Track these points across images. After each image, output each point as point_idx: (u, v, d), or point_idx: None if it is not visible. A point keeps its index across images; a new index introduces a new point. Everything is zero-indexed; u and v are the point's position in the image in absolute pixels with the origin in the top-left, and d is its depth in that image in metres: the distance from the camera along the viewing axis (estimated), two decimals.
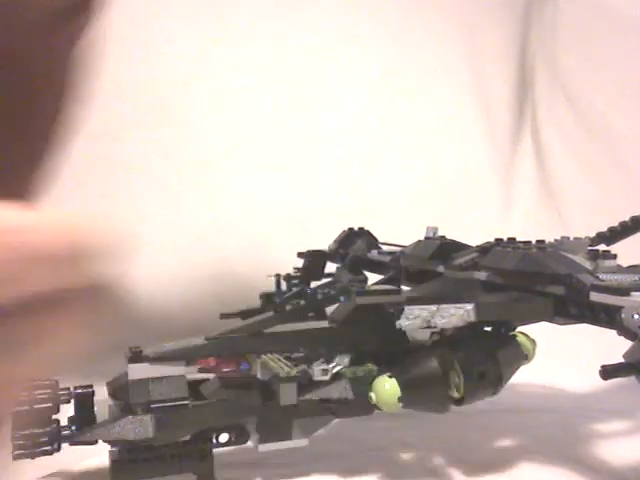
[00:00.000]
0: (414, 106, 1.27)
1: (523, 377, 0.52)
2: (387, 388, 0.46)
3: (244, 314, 0.57)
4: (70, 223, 0.17)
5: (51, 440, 0.43)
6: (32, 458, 0.43)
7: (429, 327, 0.47)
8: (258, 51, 1.17)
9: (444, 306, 0.47)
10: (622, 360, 0.38)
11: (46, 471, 0.49)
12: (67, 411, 0.45)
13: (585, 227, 0.66)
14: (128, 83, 1.04)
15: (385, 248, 0.71)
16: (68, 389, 0.45)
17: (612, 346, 0.40)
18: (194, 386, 0.47)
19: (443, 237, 0.63)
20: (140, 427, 0.43)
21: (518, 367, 0.51)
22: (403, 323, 0.47)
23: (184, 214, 1.14)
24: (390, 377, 0.46)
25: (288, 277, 0.65)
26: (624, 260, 0.55)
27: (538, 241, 0.52)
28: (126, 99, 1.04)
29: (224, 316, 0.59)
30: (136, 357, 0.45)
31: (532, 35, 1.37)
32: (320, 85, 1.08)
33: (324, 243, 0.75)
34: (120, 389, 0.45)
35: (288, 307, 0.51)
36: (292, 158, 1.21)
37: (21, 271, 0.15)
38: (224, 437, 0.47)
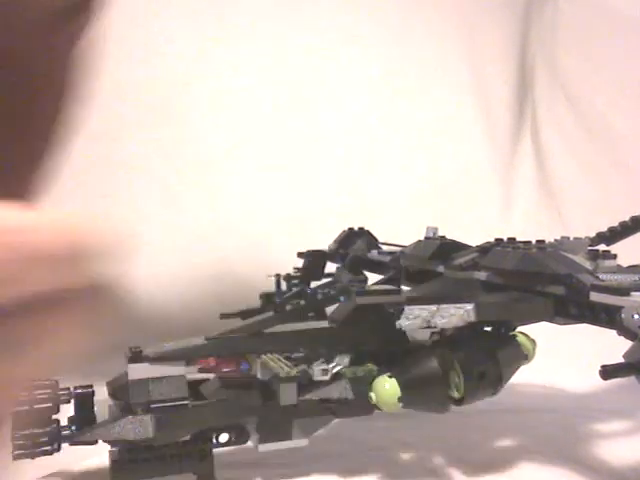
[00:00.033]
0: (414, 106, 1.26)
1: (523, 377, 0.52)
2: (387, 388, 0.46)
3: (244, 314, 0.57)
4: (70, 223, 0.17)
5: (51, 440, 0.43)
6: (32, 458, 0.43)
7: (429, 327, 0.47)
8: (258, 51, 1.17)
9: (444, 306, 0.47)
10: (622, 360, 0.38)
11: (46, 471, 0.49)
12: (67, 411, 0.45)
13: (585, 227, 0.66)
14: (128, 83, 1.04)
15: (385, 248, 0.71)
16: (68, 389, 0.45)
17: (612, 346, 0.40)
18: (194, 386, 0.47)
19: (443, 237, 0.63)
20: (140, 427, 0.43)
21: (518, 367, 0.51)
22: (403, 323, 0.47)
23: (184, 214, 1.14)
24: (390, 377, 0.46)
25: (288, 277, 0.65)
26: (624, 260, 0.55)
27: (538, 241, 0.52)
28: (126, 99, 1.04)
29: (224, 316, 0.59)
30: (136, 357, 0.45)
31: (532, 35, 1.37)
32: (320, 85, 1.08)
33: (324, 243, 0.75)
34: (120, 389, 0.45)
35: (288, 307, 0.51)
36: (292, 158, 1.21)
37: (21, 271, 0.15)
38: (224, 437, 0.47)
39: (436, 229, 0.66)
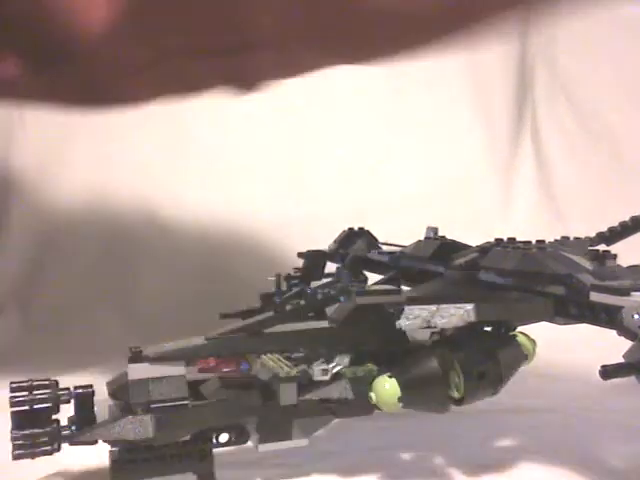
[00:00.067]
0: (414, 106, 1.26)
1: (523, 377, 0.52)
2: (387, 388, 0.46)
3: (244, 314, 0.57)
4: None
5: (51, 440, 0.43)
6: (32, 458, 0.43)
7: (429, 327, 0.47)
8: None
9: (444, 306, 0.47)
10: (622, 360, 0.38)
11: (46, 471, 0.49)
12: (67, 411, 0.45)
13: (585, 227, 0.65)
14: None
15: (385, 248, 0.71)
16: (68, 389, 0.45)
17: (612, 346, 0.40)
18: (194, 386, 0.47)
19: (443, 237, 0.63)
20: (140, 427, 0.43)
21: (518, 367, 0.51)
22: (403, 323, 0.47)
23: (184, 214, 1.14)
24: (390, 377, 0.46)
25: (288, 277, 0.65)
26: (624, 260, 0.55)
27: (538, 241, 0.52)
28: None
29: (224, 316, 0.59)
30: (136, 357, 0.45)
31: (532, 35, 1.37)
32: (320, 85, 1.08)
33: (324, 243, 0.75)
34: (120, 389, 0.45)
35: (288, 307, 0.51)
36: (292, 158, 1.21)
37: None
38: (224, 437, 0.47)
39: (436, 229, 0.66)
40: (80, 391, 0.45)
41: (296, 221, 1.14)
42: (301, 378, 0.46)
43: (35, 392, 0.43)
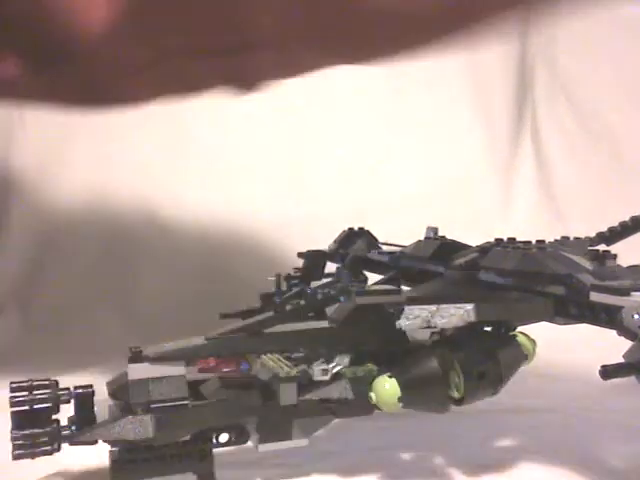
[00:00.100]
0: (414, 106, 1.26)
1: (523, 377, 0.52)
2: (387, 388, 0.46)
3: (244, 314, 0.57)
4: None
5: (51, 440, 0.43)
6: (32, 458, 0.43)
7: (429, 327, 0.47)
8: None
9: (444, 306, 0.47)
10: (622, 360, 0.38)
11: (46, 471, 0.49)
12: (67, 411, 0.45)
13: (585, 227, 0.65)
14: None
15: (385, 248, 0.71)
16: (68, 389, 0.45)
17: (612, 346, 0.40)
18: (194, 386, 0.47)
19: (443, 237, 0.63)
20: (140, 427, 0.43)
21: (518, 367, 0.51)
22: (403, 323, 0.47)
23: (184, 214, 1.14)
24: (390, 377, 0.46)
25: (288, 277, 0.65)
26: (624, 260, 0.55)
27: (538, 241, 0.52)
28: None
29: (224, 316, 0.59)
30: (136, 357, 0.45)
31: (532, 35, 1.37)
32: (320, 85, 1.08)
33: (324, 243, 0.75)
34: (120, 389, 0.45)
35: (288, 307, 0.51)
36: (292, 158, 1.21)
37: None
38: (224, 437, 0.47)
39: (436, 229, 0.66)
40: (80, 391, 0.45)
41: (296, 221, 1.14)
42: (301, 378, 0.46)
43: (35, 392, 0.43)
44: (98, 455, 0.48)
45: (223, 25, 0.51)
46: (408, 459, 0.54)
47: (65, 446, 0.44)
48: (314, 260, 0.71)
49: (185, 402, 0.45)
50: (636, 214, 0.61)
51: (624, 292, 0.42)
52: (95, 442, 0.44)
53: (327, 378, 0.47)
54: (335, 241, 0.74)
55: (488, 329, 0.52)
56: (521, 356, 0.52)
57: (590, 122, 1.28)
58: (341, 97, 1.24)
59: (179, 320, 0.86)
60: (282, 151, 1.20)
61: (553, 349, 0.64)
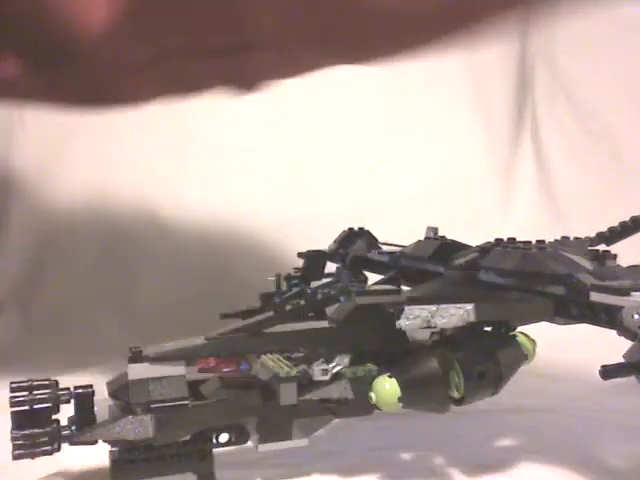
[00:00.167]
0: (414, 106, 1.26)
1: (523, 377, 0.52)
2: (387, 388, 0.46)
3: (244, 314, 0.57)
4: None
5: (51, 440, 0.43)
6: (32, 458, 0.43)
7: (429, 327, 0.47)
8: None
9: (444, 306, 0.47)
10: (622, 360, 0.38)
11: (46, 471, 0.49)
12: (67, 411, 0.45)
13: (585, 227, 0.65)
14: None
15: (385, 248, 0.71)
16: (68, 389, 0.45)
17: (612, 346, 0.40)
18: (194, 386, 0.47)
19: (443, 237, 0.63)
20: (140, 427, 0.43)
21: (518, 367, 0.51)
22: (403, 323, 0.47)
23: (184, 214, 1.14)
24: (390, 377, 0.46)
25: (288, 277, 0.65)
26: (624, 260, 0.55)
27: (538, 241, 0.52)
28: None
29: (224, 316, 0.59)
30: (136, 357, 0.45)
31: (532, 35, 1.37)
32: (320, 85, 1.08)
33: (324, 243, 0.75)
34: (120, 389, 0.45)
35: (288, 307, 0.51)
36: (292, 158, 1.21)
37: None
38: (224, 437, 0.47)
39: (436, 229, 0.66)
40: (80, 391, 0.45)
41: (296, 221, 1.14)
42: (301, 378, 0.46)
43: (35, 392, 0.43)
44: (98, 455, 0.48)
45: (223, 25, 0.51)
46: (408, 459, 0.54)
47: (65, 446, 0.44)
48: (314, 260, 0.71)
49: (185, 402, 0.45)
50: (636, 214, 0.61)
51: (624, 292, 0.42)
52: (95, 442, 0.44)
53: (327, 378, 0.47)
54: (335, 241, 0.74)
55: (488, 329, 0.52)
56: (521, 356, 0.52)
57: (590, 122, 1.28)
58: (341, 97, 1.24)
59: (179, 320, 0.85)
60: (282, 151, 1.20)
61: (553, 349, 0.64)
